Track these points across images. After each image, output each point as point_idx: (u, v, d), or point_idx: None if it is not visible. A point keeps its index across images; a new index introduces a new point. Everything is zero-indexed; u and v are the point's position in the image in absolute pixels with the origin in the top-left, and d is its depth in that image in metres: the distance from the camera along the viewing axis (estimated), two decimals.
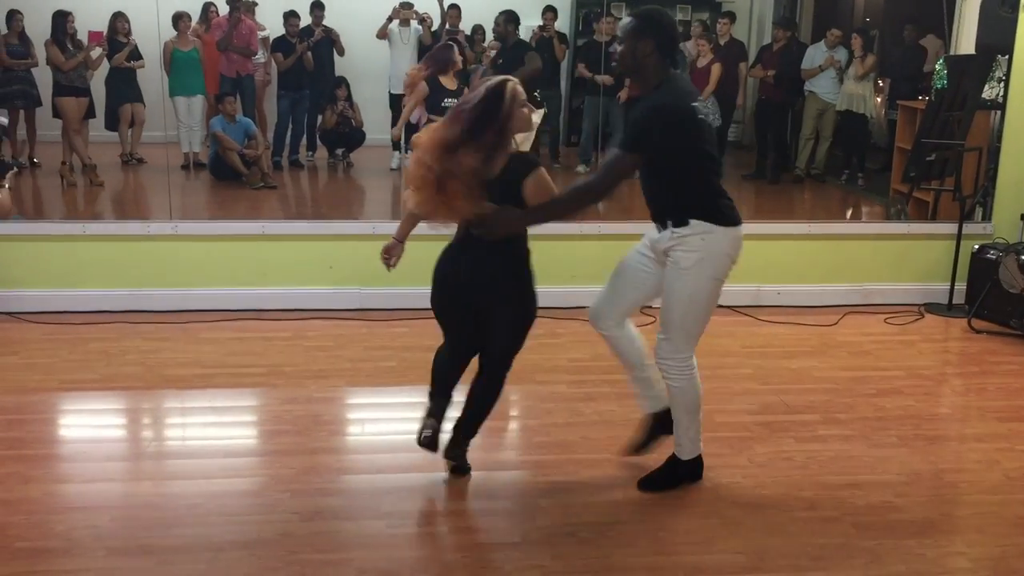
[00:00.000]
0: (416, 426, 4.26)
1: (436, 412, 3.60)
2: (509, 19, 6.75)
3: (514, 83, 3.27)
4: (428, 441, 3.54)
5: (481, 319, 3.45)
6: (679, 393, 3.45)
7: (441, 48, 6.33)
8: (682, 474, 3.60)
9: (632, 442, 3.75)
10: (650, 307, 5.73)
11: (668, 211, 3.34)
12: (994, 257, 5.61)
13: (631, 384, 3.77)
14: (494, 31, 7.48)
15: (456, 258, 3.44)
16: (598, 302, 3.66)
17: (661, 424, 3.66)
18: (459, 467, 3.63)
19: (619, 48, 3.32)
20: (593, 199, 3.45)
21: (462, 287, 3.41)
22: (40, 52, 7.27)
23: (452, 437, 3.61)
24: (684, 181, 3.30)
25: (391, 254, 3.77)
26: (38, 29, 7.25)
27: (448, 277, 3.46)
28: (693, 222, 3.27)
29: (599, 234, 5.75)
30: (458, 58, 6.14)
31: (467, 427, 3.61)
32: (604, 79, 7.78)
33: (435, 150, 3.16)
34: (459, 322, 3.54)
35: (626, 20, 3.33)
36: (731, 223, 3.33)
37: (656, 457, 3.67)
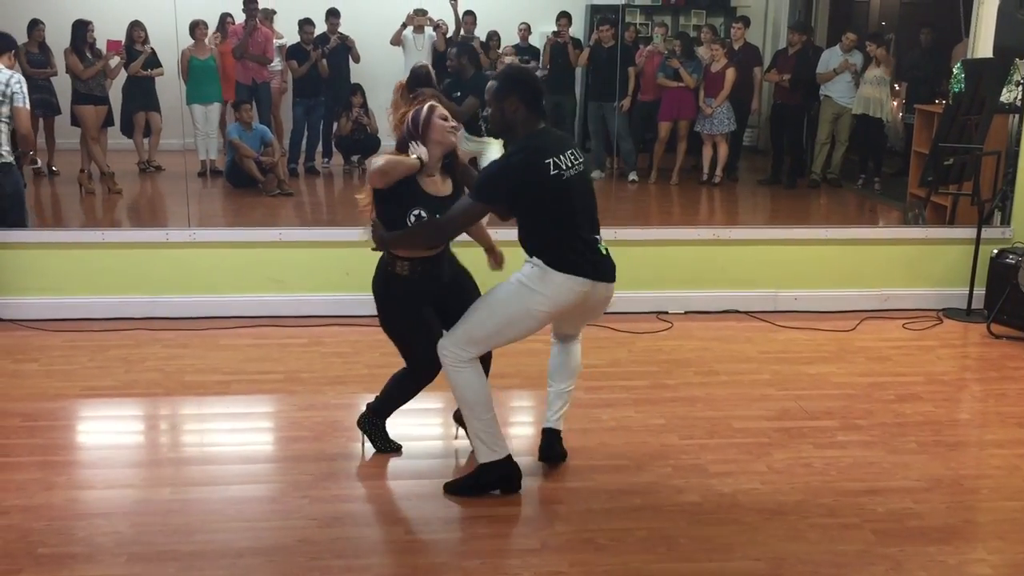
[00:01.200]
0: (433, 431, 4.28)
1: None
2: (462, 52, 6.78)
3: (432, 103, 3.56)
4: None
5: None
6: (456, 386, 3.50)
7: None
8: (486, 480, 3.53)
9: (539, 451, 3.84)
10: (666, 312, 5.76)
11: (522, 242, 3.52)
12: (1013, 262, 5.57)
13: (548, 394, 3.84)
14: (448, 66, 7.30)
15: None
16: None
17: (548, 437, 3.80)
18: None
19: (489, 112, 3.50)
20: (438, 238, 3.56)
21: None
22: (60, 61, 7.34)
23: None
24: (532, 227, 3.45)
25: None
26: (58, 38, 7.32)
27: None
28: (534, 256, 3.44)
29: (614, 239, 5.74)
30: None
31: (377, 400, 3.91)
32: None
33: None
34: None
35: (490, 84, 3.48)
36: (570, 271, 3.39)
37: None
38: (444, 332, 3.58)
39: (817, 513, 3.45)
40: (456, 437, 4.02)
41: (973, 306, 5.83)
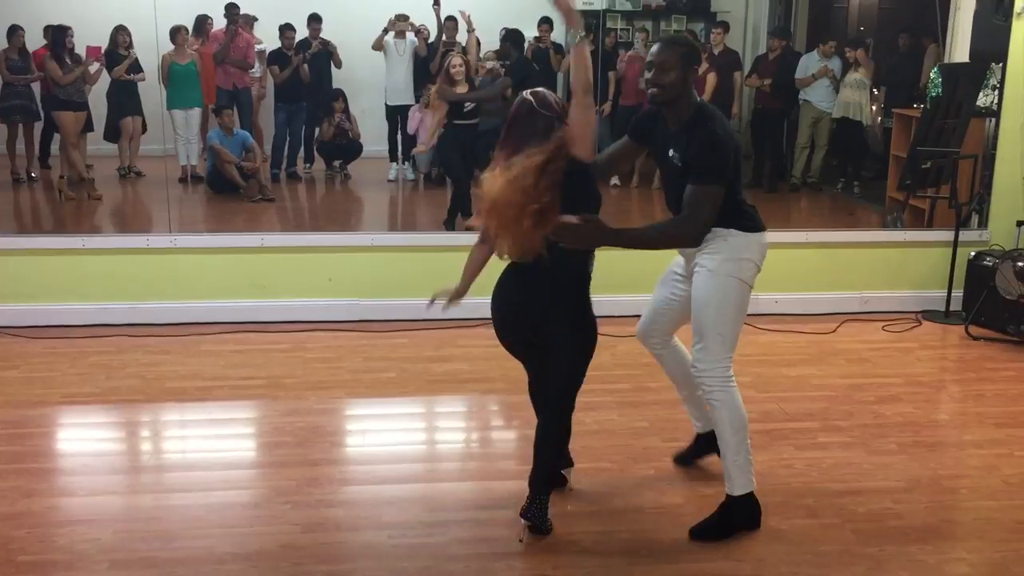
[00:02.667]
0: (416, 436, 4.29)
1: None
2: (507, 37, 6.83)
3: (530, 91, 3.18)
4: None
5: (541, 347, 3.25)
6: (721, 408, 3.27)
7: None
8: (737, 518, 3.32)
9: (680, 452, 3.85)
10: None
11: None
12: (990, 264, 5.63)
13: (683, 403, 3.77)
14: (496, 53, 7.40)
15: (512, 283, 3.25)
16: (642, 321, 3.66)
17: (708, 443, 3.69)
18: (535, 527, 3.25)
19: (660, 76, 3.15)
20: (696, 231, 3.21)
21: (519, 310, 3.24)
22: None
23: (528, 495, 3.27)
24: (725, 198, 3.19)
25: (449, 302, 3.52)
26: (38, 44, 7.28)
27: (504, 303, 3.28)
28: (717, 229, 3.22)
29: None
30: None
31: (532, 478, 3.26)
32: None
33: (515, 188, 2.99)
34: (524, 349, 3.34)
35: (662, 47, 3.19)
36: (755, 229, 3.31)
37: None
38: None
39: (798, 514, 3.47)
40: (521, 540, 3.27)
41: (951, 308, 5.88)
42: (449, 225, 6.62)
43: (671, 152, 3.25)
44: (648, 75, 3.19)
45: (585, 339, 3.25)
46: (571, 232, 2.97)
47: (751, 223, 3.29)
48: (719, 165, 3.12)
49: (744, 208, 3.30)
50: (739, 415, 3.30)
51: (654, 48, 3.23)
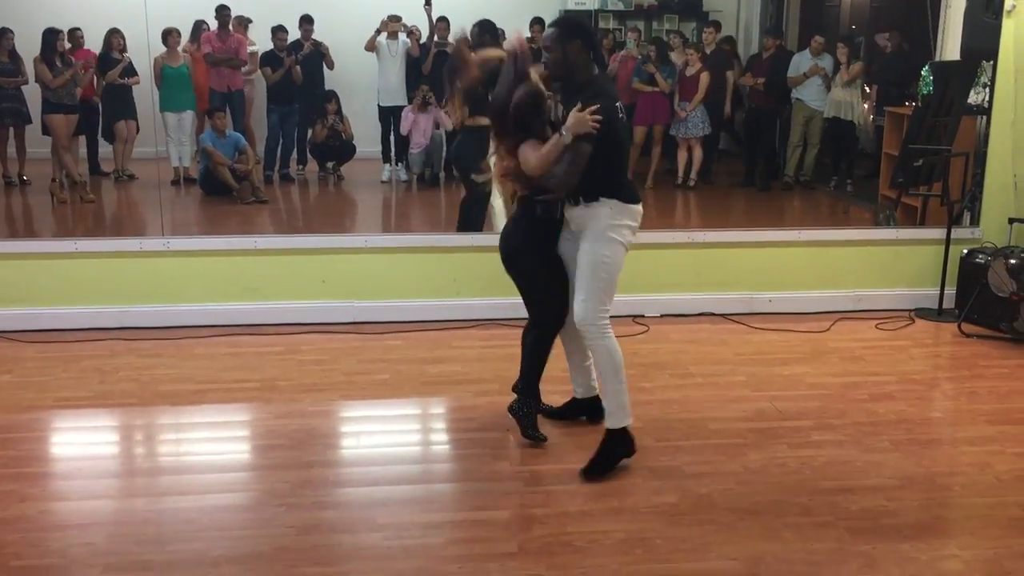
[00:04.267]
0: (411, 437, 4.29)
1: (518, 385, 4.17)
2: (483, 30, 6.66)
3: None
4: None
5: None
6: (602, 353, 3.77)
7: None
8: (618, 450, 3.81)
9: (553, 408, 4.25)
10: (642, 315, 5.79)
11: (582, 189, 3.74)
12: (983, 261, 5.65)
13: (570, 370, 4.19)
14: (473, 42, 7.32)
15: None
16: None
17: (582, 408, 4.22)
18: (521, 429, 4.05)
19: (546, 55, 3.74)
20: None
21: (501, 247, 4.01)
22: (31, 70, 7.29)
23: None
24: (602, 171, 3.69)
25: None
26: (29, 47, 7.26)
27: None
28: (602, 199, 3.72)
29: None
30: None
31: (519, 386, 4.11)
32: None
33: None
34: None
35: (549, 31, 3.76)
36: (633, 201, 3.80)
37: None
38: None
39: (792, 512, 3.48)
40: (508, 430, 4.11)
41: (944, 306, 5.90)
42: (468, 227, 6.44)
43: (561, 109, 3.74)
44: (544, 55, 3.79)
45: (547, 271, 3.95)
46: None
47: (630, 195, 3.79)
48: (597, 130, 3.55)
49: (624, 182, 3.83)
50: (617, 358, 3.79)
51: (544, 32, 3.83)
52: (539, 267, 3.93)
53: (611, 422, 3.83)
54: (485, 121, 4.90)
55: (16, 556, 3.16)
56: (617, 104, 3.71)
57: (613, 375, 3.79)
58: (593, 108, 3.53)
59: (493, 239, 5.73)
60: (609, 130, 3.62)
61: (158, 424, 4.40)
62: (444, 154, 7.92)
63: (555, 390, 4.29)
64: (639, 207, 3.84)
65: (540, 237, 3.91)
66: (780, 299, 5.95)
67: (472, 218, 6.10)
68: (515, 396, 4.13)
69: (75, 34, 7.45)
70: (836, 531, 3.35)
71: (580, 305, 3.76)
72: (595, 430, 4.12)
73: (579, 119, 3.53)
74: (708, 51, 8.36)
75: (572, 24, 3.80)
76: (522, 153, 3.70)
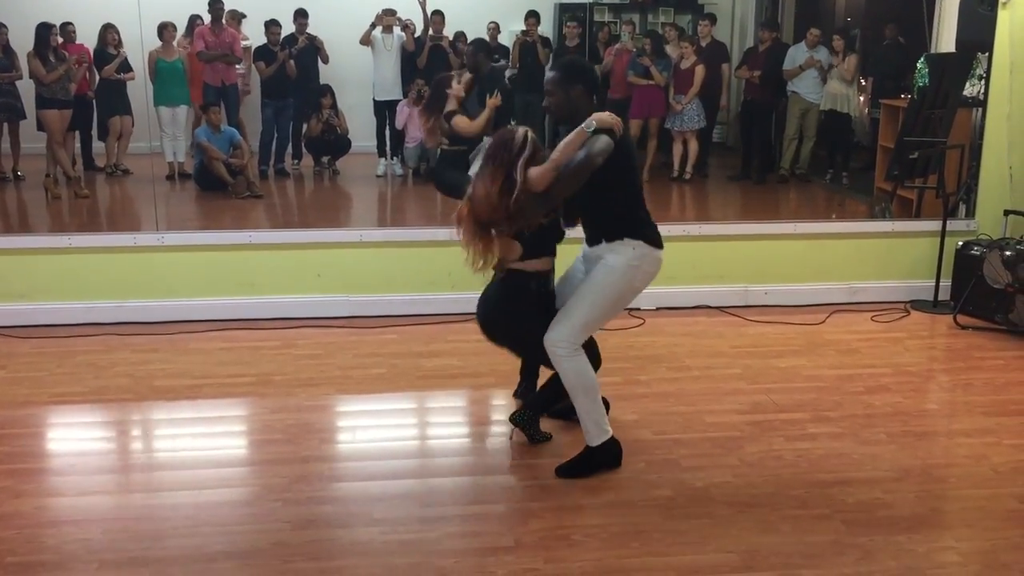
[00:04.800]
0: (407, 432, 4.29)
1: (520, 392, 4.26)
2: (478, 49, 6.62)
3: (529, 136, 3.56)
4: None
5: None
6: (571, 375, 3.65)
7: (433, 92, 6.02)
8: (596, 461, 3.73)
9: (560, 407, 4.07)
10: (638, 308, 5.79)
11: (605, 228, 3.68)
12: (978, 253, 5.65)
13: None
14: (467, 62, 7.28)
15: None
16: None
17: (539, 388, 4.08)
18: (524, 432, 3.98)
19: (548, 99, 3.69)
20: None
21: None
22: (25, 65, 7.26)
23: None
24: (625, 206, 3.65)
25: None
26: (22, 42, 7.24)
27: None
28: (626, 239, 3.63)
29: None
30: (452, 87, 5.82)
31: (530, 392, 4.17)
32: None
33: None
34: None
35: (551, 75, 3.72)
36: (657, 245, 3.68)
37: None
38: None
39: (788, 505, 3.48)
40: (511, 438, 4.00)
41: (939, 298, 5.90)
42: None
43: None
44: (546, 99, 3.73)
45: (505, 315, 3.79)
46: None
47: (655, 237, 3.68)
48: (603, 152, 3.46)
49: (649, 222, 3.71)
50: (588, 378, 3.67)
51: (546, 75, 3.79)
52: (530, 332, 3.70)
53: (589, 440, 3.73)
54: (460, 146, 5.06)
55: (11, 552, 3.16)
56: (627, 136, 3.67)
57: (584, 395, 3.67)
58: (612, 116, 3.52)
59: None
60: (630, 160, 3.63)
61: (153, 419, 4.40)
62: None
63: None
64: (661, 255, 3.68)
65: (538, 311, 3.72)
66: (776, 292, 5.95)
67: None
68: (519, 404, 4.08)
69: (66, 29, 7.43)
70: (833, 523, 3.35)
71: (560, 326, 3.63)
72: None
73: (603, 115, 3.48)
74: (703, 44, 8.35)
75: (575, 68, 3.77)
76: (535, 173, 3.45)
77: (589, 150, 3.46)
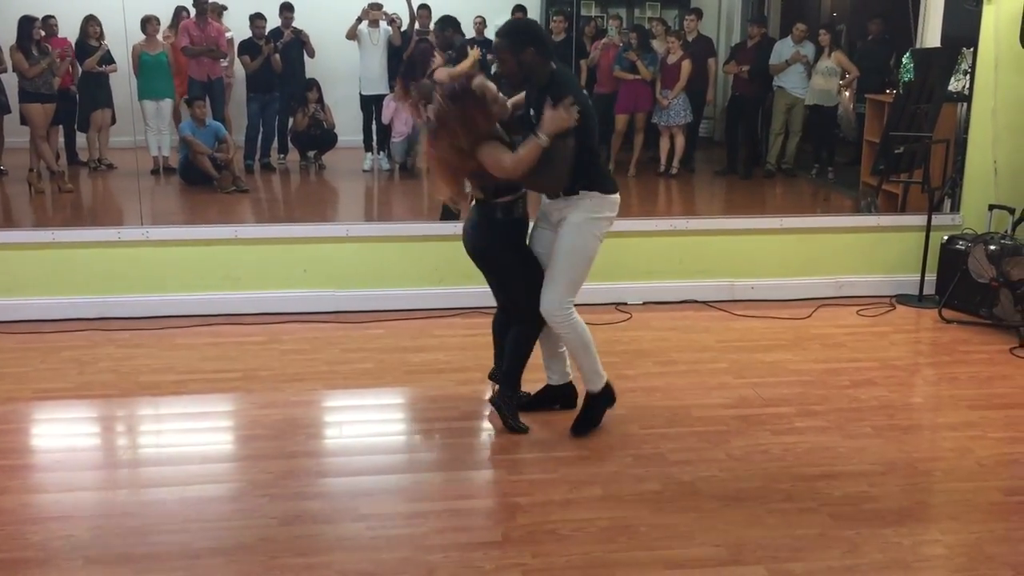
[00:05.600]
0: (394, 427, 4.28)
1: (494, 374, 4.27)
2: (445, 24, 6.56)
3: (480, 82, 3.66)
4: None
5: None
6: (571, 336, 3.88)
7: (415, 56, 6.11)
8: (601, 405, 4.04)
9: (528, 398, 4.19)
10: (625, 303, 5.79)
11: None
12: (963, 248, 5.68)
13: (545, 359, 4.18)
14: (437, 38, 7.27)
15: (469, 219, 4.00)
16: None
17: (556, 395, 4.21)
18: (503, 420, 4.06)
19: (500, 68, 3.74)
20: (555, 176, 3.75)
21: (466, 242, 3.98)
22: (8, 59, 7.19)
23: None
24: (580, 160, 3.70)
25: None
26: (4, 35, 7.16)
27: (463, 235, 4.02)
28: (583, 192, 3.75)
29: None
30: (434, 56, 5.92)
31: (500, 372, 4.13)
32: None
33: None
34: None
35: (498, 41, 3.72)
36: (612, 191, 3.83)
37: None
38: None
39: (775, 498, 3.49)
40: (492, 396, 4.16)
41: (925, 292, 5.93)
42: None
43: (531, 112, 3.75)
44: (498, 67, 3.78)
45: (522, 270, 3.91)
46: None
47: (609, 185, 3.83)
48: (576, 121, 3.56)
49: (603, 171, 3.88)
50: (586, 335, 3.91)
51: (493, 43, 3.80)
52: (513, 265, 3.91)
53: (590, 387, 4.01)
54: None
55: None
56: (583, 92, 3.76)
57: (584, 350, 3.92)
58: (568, 101, 3.53)
59: None
60: (585, 122, 3.64)
61: (138, 415, 4.37)
62: None
63: (528, 378, 4.28)
64: (617, 196, 3.86)
65: (507, 237, 3.89)
66: (762, 286, 5.97)
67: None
68: (494, 386, 4.13)
69: (48, 22, 7.36)
70: (819, 517, 3.36)
71: (549, 293, 3.81)
72: (573, 416, 4.13)
73: (553, 117, 3.52)
74: (689, 39, 8.35)
75: (520, 30, 3.79)
76: (490, 156, 3.60)
77: (559, 167, 3.58)
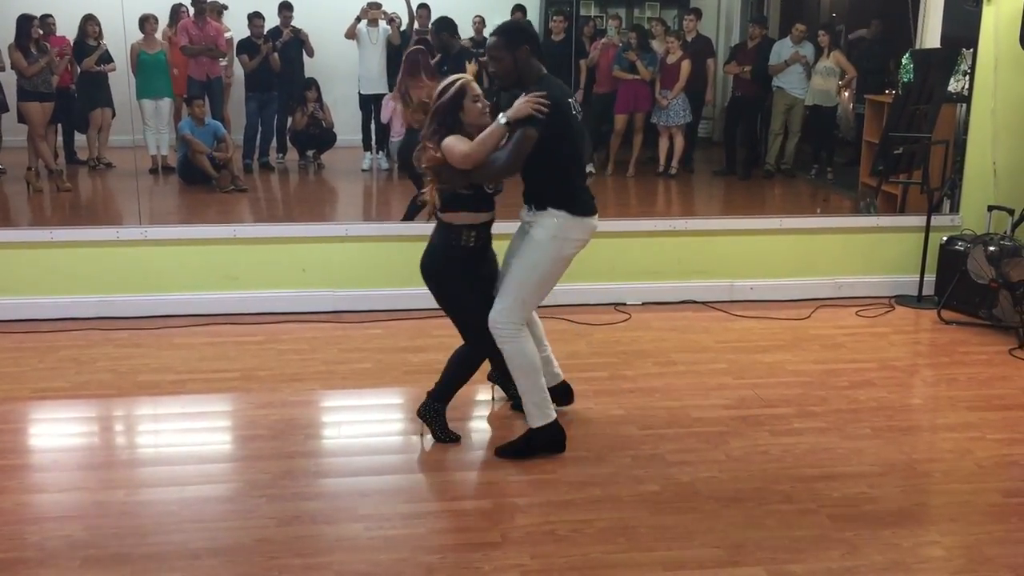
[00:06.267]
0: (392, 427, 4.27)
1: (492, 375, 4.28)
2: (441, 28, 6.58)
3: (463, 81, 3.66)
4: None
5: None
6: (514, 356, 3.72)
7: (409, 59, 6.16)
8: (537, 444, 3.79)
9: (516, 401, 4.08)
10: (624, 304, 5.79)
11: (532, 195, 3.75)
12: (962, 248, 5.67)
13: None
14: (433, 42, 7.28)
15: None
16: None
17: (559, 393, 4.10)
18: (431, 431, 3.99)
19: (495, 66, 3.67)
20: (512, 165, 3.65)
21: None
22: (6, 58, 7.18)
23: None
24: (551, 175, 3.67)
25: None
26: (2, 34, 7.15)
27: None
28: (551, 209, 3.68)
29: None
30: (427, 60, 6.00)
31: (437, 386, 4.00)
32: None
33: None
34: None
35: (493, 39, 3.68)
36: (585, 214, 3.72)
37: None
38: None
39: (774, 499, 3.49)
40: (493, 400, 4.32)
41: (924, 293, 5.93)
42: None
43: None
44: (491, 66, 3.72)
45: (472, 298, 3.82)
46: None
47: (583, 208, 3.71)
48: (543, 118, 3.49)
49: (578, 193, 3.73)
50: (529, 361, 3.74)
51: (488, 41, 3.72)
52: (461, 294, 3.82)
53: (530, 421, 3.80)
54: None
55: None
56: (571, 100, 3.69)
57: (525, 376, 3.74)
58: (538, 94, 3.51)
59: None
60: (563, 129, 3.58)
61: (136, 415, 4.37)
62: None
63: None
64: (592, 220, 3.75)
65: (460, 265, 3.79)
66: (761, 287, 5.96)
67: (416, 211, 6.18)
68: (493, 388, 4.14)
69: (46, 21, 7.35)
70: (818, 518, 3.36)
71: (498, 306, 3.71)
72: (569, 416, 4.13)
73: (519, 105, 3.51)
74: (688, 39, 8.35)
75: (517, 30, 3.76)
76: (447, 145, 3.60)
77: (512, 153, 3.53)
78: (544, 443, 3.79)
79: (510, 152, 3.54)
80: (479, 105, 3.67)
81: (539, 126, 3.51)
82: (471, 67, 5.58)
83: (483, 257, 3.85)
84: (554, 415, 3.81)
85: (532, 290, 3.73)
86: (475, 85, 3.70)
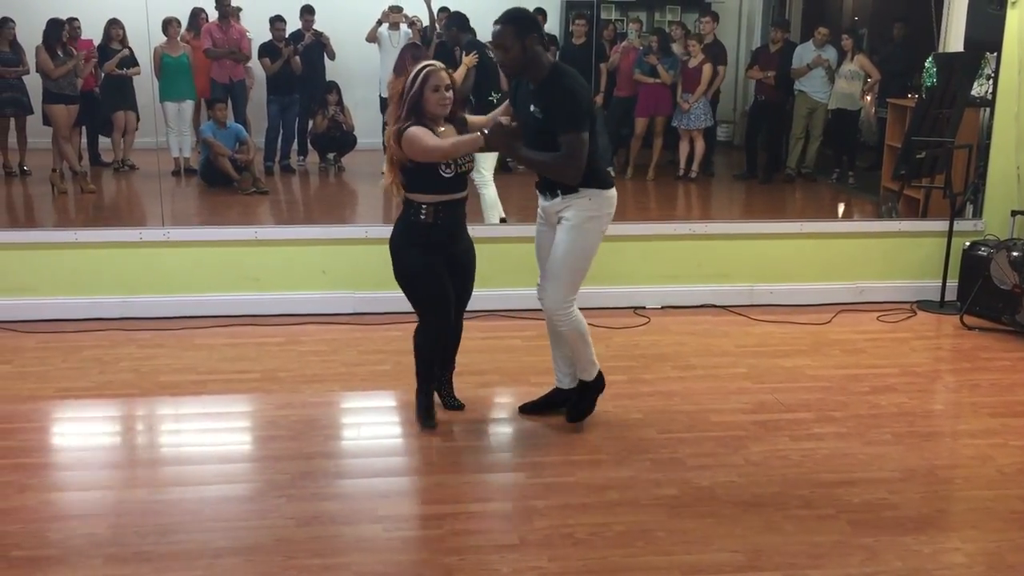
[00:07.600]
0: (411, 429, 4.28)
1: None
2: (451, 23, 6.62)
3: (428, 69, 3.73)
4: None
5: None
6: (570, 331, 3.91)
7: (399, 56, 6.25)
8: (593, 392, 4.10)
9: (531, 402, 4.23)
10: (643, 307, 5.78)
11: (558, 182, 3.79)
12: (985, 254, 5.63)
13: (554, 360, 4.17)
14: (444, 36, 7.32)
15: None
16: (540, 282, 4.02)
17: (563, 399, 4.17)
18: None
19: (502, 55, 3.69)
20: (574, 166, 3.70)
21: None
22: (32, 60, 7.26)
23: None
24: None
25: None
26: (30, 37, 7.24)
27: None
28: (582, 189, 3.75)
29: None
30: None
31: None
32: None
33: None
34: None
35: (499, 28, 3.67)
36: (609, 187, 3.83)
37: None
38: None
39: (794, 505, 3.47)
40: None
41: (946, 298, 5.89)
42: None
43: (532, 107, 3.71)
44: (498, 55, 3.74)
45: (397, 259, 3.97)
46: (495, 133, 3.67)
47: (606, 182, 3.82)
48: (581, 112, 3.61)
49: (599, 168, 3.82)
50: (582, 328, 3.94)
51: (493, 30, 3.72)
52: (409, 267, 3.93)
53: (584, 376, 4.06)
54: None
55: (17, 547, 3.16)
56: (584, 83, 3.75)
57: (582, 341, 3.96)
58: (511, 121, 3.70)
59: (491, 230, 5.74)
60: (592, 115, 3.66)
61: (158, 415, 4.40)
62: None
63: (536, 381, 4.27)
64: (614, 192, 3.87)
65: (413, 238, 3.88)
66: (781, 291, 5.94)
67: None
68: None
69: (72, 24, 7.43)
70: (838, 524, 3.34)
71: (551, 293, 3.85)
72: (588, 419, 4.13)
73: (498, 132, 3.64)
74: (706, 42, 8.32)
75: (524, 18, 3.74)
76: (414, 134, 3.64)
77: (576, 158, 3.61)
78: (596, 389, 4.10)
79: (570, 157, 3.62)
80: (437, 95, 3.71)
81: (585, 126, 3.60)
82: (468, 58, 5.61)
83: (444, 238, 3.90)
84: (598, 365, 4.05)
85: (580, 271, 3.86)
86: (443, 75, 3.74)
